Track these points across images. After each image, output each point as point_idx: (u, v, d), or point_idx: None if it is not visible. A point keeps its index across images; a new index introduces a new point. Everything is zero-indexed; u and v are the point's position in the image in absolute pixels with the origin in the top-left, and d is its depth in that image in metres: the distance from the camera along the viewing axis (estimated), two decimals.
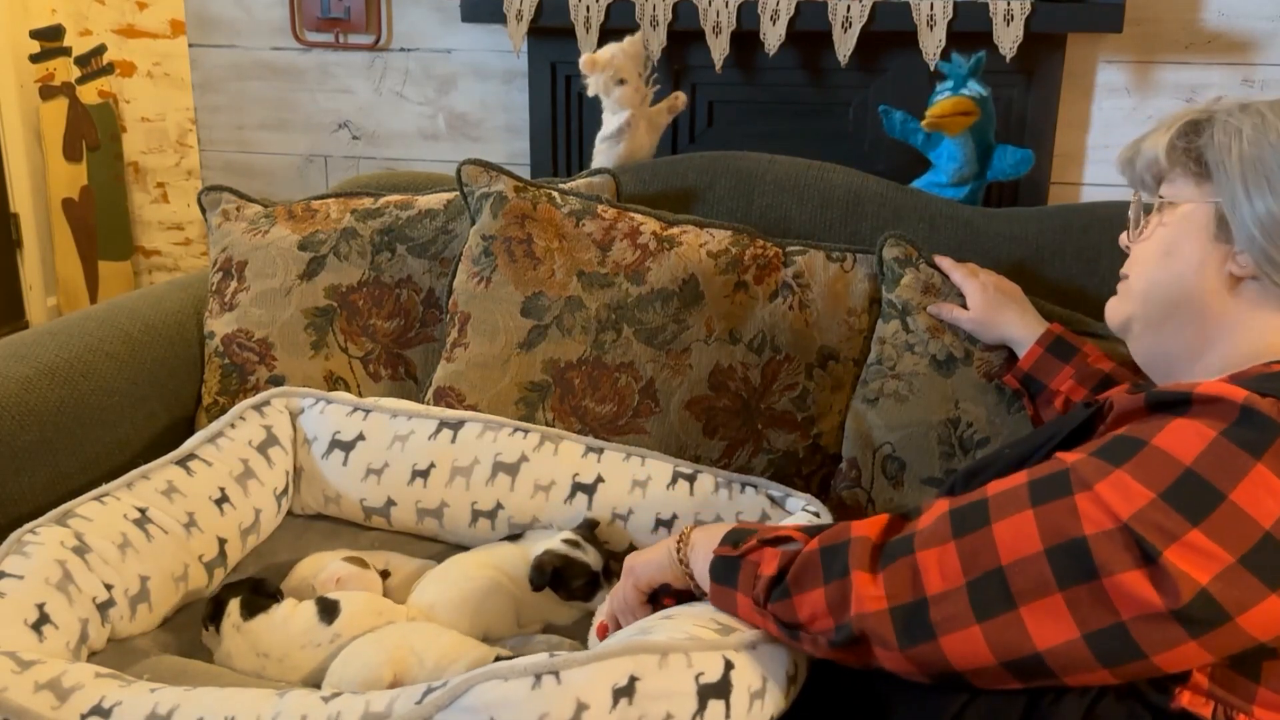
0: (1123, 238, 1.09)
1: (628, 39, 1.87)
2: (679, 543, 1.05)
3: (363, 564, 1.33)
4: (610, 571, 1.33)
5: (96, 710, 0.95)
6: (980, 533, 0.83)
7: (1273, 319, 0.94)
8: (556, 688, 0.83)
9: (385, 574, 1.36)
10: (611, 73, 1.84)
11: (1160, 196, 1.03)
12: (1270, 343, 0.93)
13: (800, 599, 0.89)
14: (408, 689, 0.91)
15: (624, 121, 1.86)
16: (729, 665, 0.88)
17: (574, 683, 0.83)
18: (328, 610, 1.22)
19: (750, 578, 0.94)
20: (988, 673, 0.82)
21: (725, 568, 0.97)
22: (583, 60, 1.85)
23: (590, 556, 1.31)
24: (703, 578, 1.01)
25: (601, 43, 2.28)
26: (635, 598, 1.08)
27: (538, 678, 0.83)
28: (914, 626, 0.83)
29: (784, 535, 0.96)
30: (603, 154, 1.90)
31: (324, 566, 1.33)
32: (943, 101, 1.93)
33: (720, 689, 0.86)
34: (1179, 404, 0.83)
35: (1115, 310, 1.07)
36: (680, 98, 1.93)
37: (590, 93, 1.88)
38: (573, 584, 1.29)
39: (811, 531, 0.94)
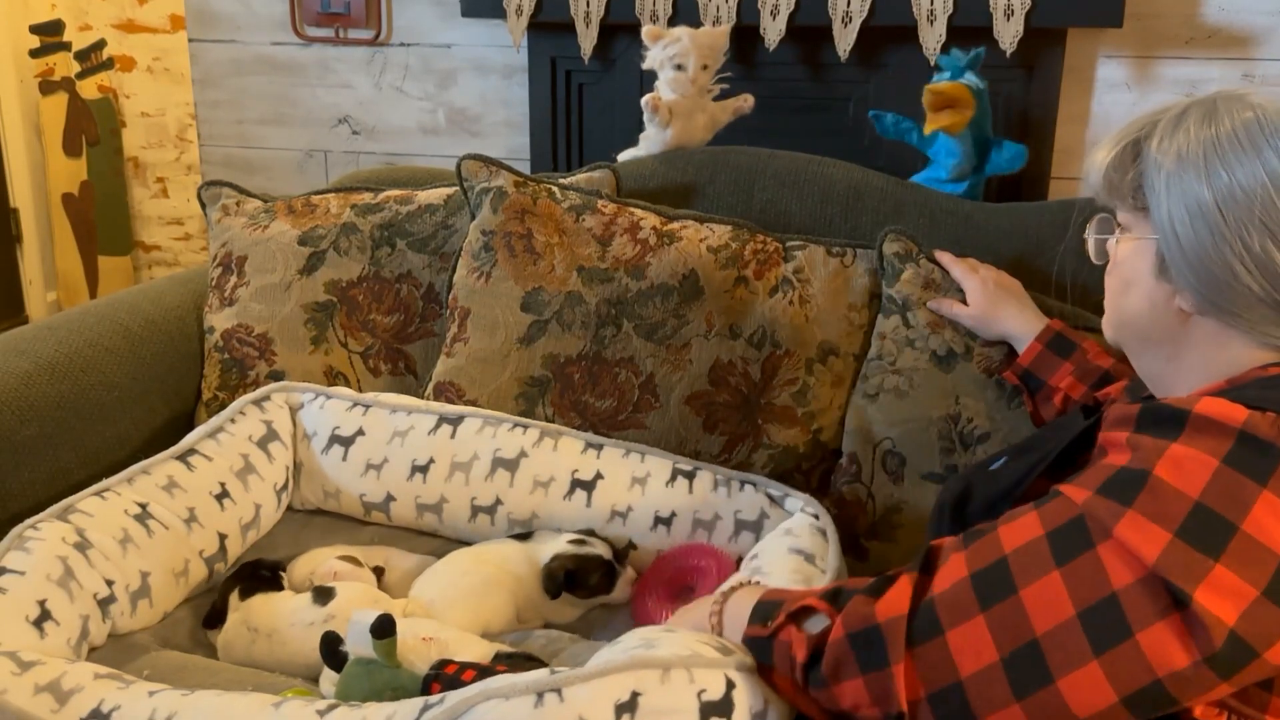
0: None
1: (706, 28, 1.81)
2: (711, 616, 1.01)
3: (357, 563, 1.33)
4: (622, 556, 1.33)
5: (95, 714, 0.95)
6: (1009, 602, 0.80)
7: (1237, 347, 0.89)
8: (559, 705, 0.81)
9: (379, 570, 1.36)
10: (673, 53, 1.79)
11: (1118, 225, 0.97)
12: (1251, 358, 0.89)
13: (840, 689, 0.86)
14: (405, 704, 0.90)
15: (649, 106, 1.80)
16: (730, 685, 0.86)
17: (576, 700, 0.82)
18: (323, 594, 1.23)
19: (785, 659, 0.90)
20: None
21: (759, 649, 0.93)
22: (646, 29, 1.81)
23: (601, 547, 1.32)
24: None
25: (601, 39, 2.29)
26: None
27: (540, 696, 0.82)
28: (954, 712, 0.80)
29: (807, 606, 0.92)
30: (648, 137, 1.87)
31: (322, 561, 1.33)
32: (942, 84, 1.93)
33: (723, 708, 0.85)
34: (1174, 423, 0.80)
35: (1105, 330, 1.04)
36: (748, 100, 1.87)
37: (645, 65, 1.84)
38: (590, 580, 1.29)
39: (832, 598, 0.90)
